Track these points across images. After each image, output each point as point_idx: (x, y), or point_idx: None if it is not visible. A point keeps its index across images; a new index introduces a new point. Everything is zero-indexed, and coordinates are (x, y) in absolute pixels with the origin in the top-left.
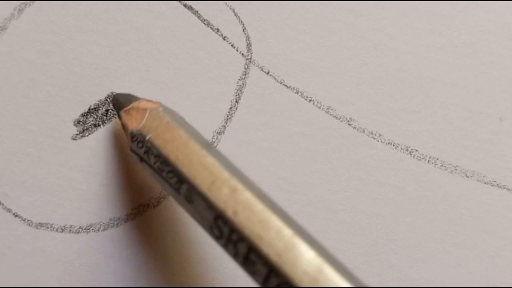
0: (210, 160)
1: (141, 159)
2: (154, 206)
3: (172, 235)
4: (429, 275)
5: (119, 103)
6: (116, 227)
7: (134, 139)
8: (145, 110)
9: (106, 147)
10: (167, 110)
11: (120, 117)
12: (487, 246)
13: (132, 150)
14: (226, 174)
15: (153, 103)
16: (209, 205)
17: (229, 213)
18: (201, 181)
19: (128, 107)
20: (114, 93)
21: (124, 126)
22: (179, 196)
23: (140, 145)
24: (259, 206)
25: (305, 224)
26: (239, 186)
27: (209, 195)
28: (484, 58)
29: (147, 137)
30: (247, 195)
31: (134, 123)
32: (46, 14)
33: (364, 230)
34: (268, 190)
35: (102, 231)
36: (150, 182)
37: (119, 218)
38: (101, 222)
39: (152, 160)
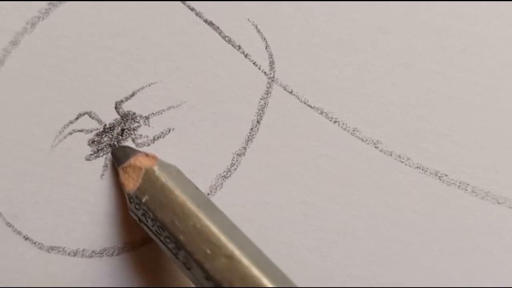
0: (205, 224)
1: (140, 220)
2: None
3: None
4: None
5: (117, 158)
6: (131, 251)
7: (132, 200)
8: (141, 169)
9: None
10: (163, 167)
11: (118, 174)
12: None
13: (131, 211)
14: (222, 240)
15: (150, 159)
16: (206, 275)
17: (225, 284)
18: (198, 249)
19: (125, 164)
20: (113, 148)
21: (122, 185)
22: (178, 261)
23: (137, 207)
24: (255, 274)
25: (328, 252)
26: (236, 253)
27: (205, 265)
28: None
29: (143, 200)
30: (244, 263)
31: (131, 184)
32: (60, 29)
33: (391, 259)
34: (290, 215)
35: (116, 255)
36: None
37: (134, 242)
38: (115, 246)
39: (150, 223)
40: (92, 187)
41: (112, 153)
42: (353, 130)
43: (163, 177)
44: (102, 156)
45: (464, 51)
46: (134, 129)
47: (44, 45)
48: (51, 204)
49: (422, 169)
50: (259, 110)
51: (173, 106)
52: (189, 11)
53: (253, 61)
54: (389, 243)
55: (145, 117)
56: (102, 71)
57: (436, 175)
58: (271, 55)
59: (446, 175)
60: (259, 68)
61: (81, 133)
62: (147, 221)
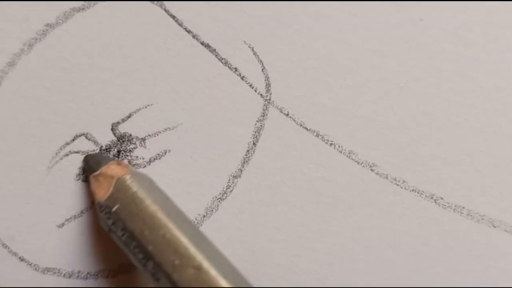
0: (175, 235)
1: (110, 230)
2: None
3: None
4: None
5: (89, 166)
6: (127, 273)
7: (102, 209)
8: (112, 178)
9: None
10: (135, 176)
11: (89, 182)
12: None
13: (101, 220)
14: (191, 251)
15: (122, 167)
16: (175, 286)
17: None
18: (166, 259)
19: (97, 172)
20: (85, 155)
21: (92, 194)
22: (146, 272)
23: (107, 216)
24: (222, 285)
25: (324, 274)
26: (204, 264)
27: (173, 276)
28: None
29: (114, 209)
30: (212, 274)
31: (101, 192)
32: (57, 50)
33: (387, 281)
34: (286, 238)
35: (111, 277)
36: None
37: (129, 264)
38: (110, 268)
39: (119, 232)
40: (88, 209)
41: (84, 161)
42: (349, 153)
43: (135, 186)
44: None
45: (460, 75)
46: (130, 151)
47: (41, 66)
48: (47, 226)
49: (418, 192)
50: (255, 132)
51: (169, 128)
52: (186, 33)
53: (249, 83)
54: (384, 266)
55: (142, 138)
56: (99, 92)
57: (432, 198)
58: (267, 78)
59: (442, 198)
60: (255, 90)
61: (77, 154)
62: (117, 231)
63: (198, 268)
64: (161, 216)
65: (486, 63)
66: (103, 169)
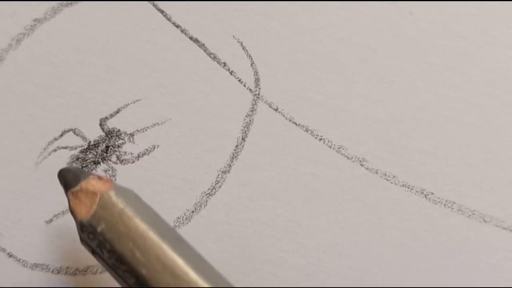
0: (171, 257)
1: (94, 252)
2: None
3: None
4: None
5: (65, 181)
6: None
7: (84, 229)
8: (95, 194)
9: None
10: (120, 192)
11: (68, 200)
12: None
13: (83, 241)
14: (191, 275)
15: (104, 182)
16: None
17: None
18: (163, 284)
19: (76, 188)
20: (61, 169)
21: (72, 212)
22: None
23: (91, 236)
24: None
25: (313, 270)
26: (206, 285)
27: None
28: (505, 97)
29: (99, 229)
30: None
31: (83, 211)
32: (46, 46)
33: (376, 277)
34: (275, 233)
35: (100, 273)
36: None
37: None
38: (98, 264)
39: (106, 255)
40: None
41: (59, 176)
42: (339, 148)
43: (121, 203)
44: None
45: (450, 69)
46: (118, 146)
47: (29, 61)
48: (35, 221)
49: (408, 187)
50: (244, 127)
51: (158, 123)
52: (174, 28)
53: (238, 78)
54: (374, 261)
55: (130, 134)
56: (87, 87)
57: (422, 193)
58: (257, 73)
59: (432, 193)
60: (244, 85)
61: (65, 150)
62: (103, 253)
63: None
64: (153, 235)
65: (476, 57)
66: (83, 184)
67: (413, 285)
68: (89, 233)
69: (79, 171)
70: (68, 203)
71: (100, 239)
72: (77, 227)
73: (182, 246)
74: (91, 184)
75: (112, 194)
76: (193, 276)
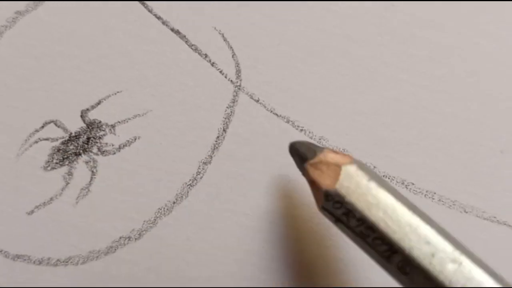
0: (424, 227)
1: (337, 220)
2: (135, 239)
3: (154, 268)
4: None
5: (300, 153)
6: (96, 260)
7: (330, 198)
8: (338, 166)
9: (85, 176)
10: (361, 166)
11: (306, 171)
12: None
13: (325, 209)
14: (447, 246)
15: (343, 156)
16: (431, 281)
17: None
18: (420, 253)
19: (315, 160)
20: (292, 142)
21: (313, 183)
22: (390, 265)
23: (337, 205)
24: (482, 279)
25: (295, 260)
26: (464, 260)
27: (431, 271)
28: (486, 88)
29: (347, 198)
30: (475, 272)
31: (327, 181)
32: (27, 38)
33: (357, 267)
34: (256, 224)
35: (81, 264)
36: (131, 213)
37: (99, 251)
38: (80, 255)
39: (353, 223)
40: (57, 195)
41: (291, 149)
42: (319, 139)
43: (366, 176)
44: (67, 164)
45: (431, 60)
46: (100, 138)
47: (11, 54)
48: (17, 213)
49: (389, 178)
50: (225, 118)
51: (139, 115)
52: (156, 20)
53: (219, 70)
54: (354, 252)
55: (111, 125)
56: (68, 79)
57: (403, 183)
58: (238, 64)
59: (413, 184)
60: (226, 77)
61: (46, 141)
62: (350, 221)
63: (459, 262)
64: (404, 208)
65: (457, 49)
66: (321, 156)
67: None
68: (334, 202)
69: (312, 145)
70: (307, 174)
71: (348, 208)
72: (319, 196)
73: (429, 219)
74: (329, 156)
75: (356, 167)
76: (449, 246)
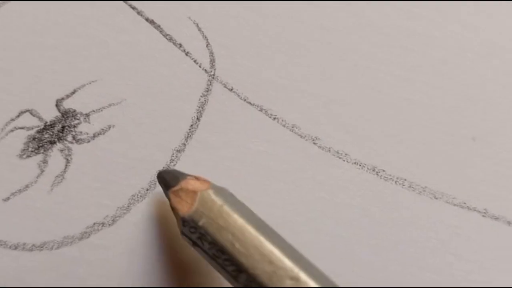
0: (268, 247)
1: (194, 244)
2: (109, 225)
3: (127, 254)
4: None
5: (165, 181)
6: (70, 245)
7: (186, 224)
8: (195, 192)
9: (60, 163)
10: (217, 191)
11: (169, 198)
12: (454, 269)
13: (183, 234)
14: (287, 263)
15: (202, 182)
16: None
17: None
18: (262, 272)
19: (176, 187)
20: (160, 171)
21: (174, 209)
22: (238, 283)
23: (192, 230)
24: None
25: None
26: (302, 276)
27: (269, 287)
28: (458, 77)
29: (200, 223)
30: (311, 285)
31: (185, 207)
32: (2, 28)
33: (327, 252)
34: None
35: (55, 249)
36: (105, 200)
37: (73, 237)
38: (55, 240)
39: (206, 246)
40: (32, 183)
41: (159, 177)
42: (292, 127)
43: (219, 201)
44: (42, 152)
45: (403, 49)
46: (74, 126)
47: None
48: None
49: (360, 165)
50: (199, 107)
51: (113, 104)
52: (131, 9)
53: (194, 59)
54: (326, 238)
55: (86, 114)
56: (43, 69)
57: (374, 170)
58: (212, 53)
59: (384, 171)
60: (200, 66)
61: (22, 130)
62: (203, 244)
63: (296, 279)
64: (251, 228)
65: (430, 38)
66: (183, 184)
67: (364, 261)
68: (190, 227)
69: (177, 173)
70: (169, 201)
71: (202, 232)
72: (178, 222)
73: (277, 238)
74: (190, 184)
75: (211, 193)
76: (289, 264)
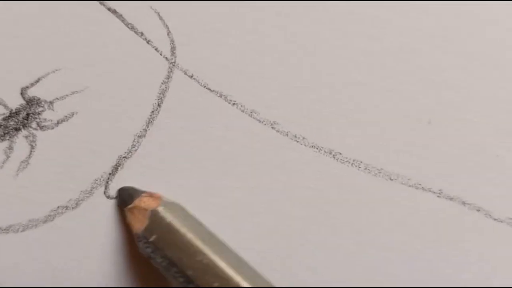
0: (212, 259)
1: (150, 257)
2: (72, 208)
3: (90, 237)
4: (350, 278)
5: (122, 200)
6: (35, 228)
7: (140, 239)
8: (146, 210)
9: (25, 149)
10: (167, 206)
11: (125, 216)
12: (409, 248)
13: (140, 248)
14: (229, 273)
15: (154, 199)
16: None
17: None
18: (206, 282)
19: (131, 205)
20: (119, 189)
21: (129, 226)
22: None
23: (146, 245)
24: None
25: (224, 227)
26: (243, 284)
27: None
28: (414, 60)
29: (151, 239)
30: None
31: (138, 224)
32: None
33: (284, 233)
34: (189, 195)
35: (21, 232)
36: (69, 184)
37: (37, 220)
38: (20, 223)
39: (159, 259)
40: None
41: (118, 195)
42: (251, 112)
43: (169, 217)
44: (7, 139)
45: (361, 34)
46: (39, 114)
47: None
48: None
49: (317, 148)
50: (160, 94)
51: (76, 91)
52: None
53: (155, 47)
54: (283, 220)
55: (50, 102)
56: (8, 57)
57: (330, 153)
58: (173, 41)
59: (340, 153)
60: (161, 54)
61: None
62: (156, 258)
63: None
64: (197, 242)
65: (387, 22)
66: (136, 202)
67: (320, 241)
68: (144, 243)
69: (132, 190)
70: (125, 218)
71: (153, 247)
72: (135, 237)
73: (223, 249)
74: (143, 201)
75: (161, 210)
76: (233, 274)
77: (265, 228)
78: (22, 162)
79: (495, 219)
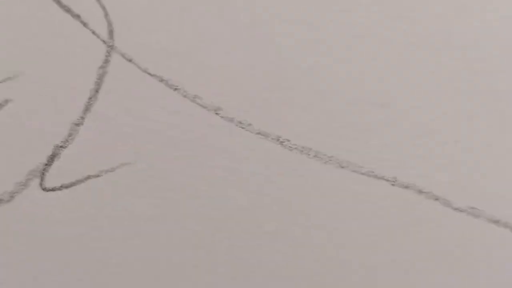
0: None
1: None
2: (7, 201)
3: (25, 229)
4: (294, 264)
5: None
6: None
7: None
8: None
9: None
10: None
11: None
12: (360, 236)
13: None
14: None
15: None
16: None
17: None
18: None
19: None
20: None
21: None
22: None
23: None
24: None
25: (163, 210)
26: None
27: None
28: (366, 43)
29: None
30: None
31: None
32: None
33: (231, 221)
34: (130, 182)
35: None
36: (2, 175)
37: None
38: None
39: None
40: None
41: None
42: (194, 97)
43: None
44: None
45: (313, 16)
46: None
47: None
48: None
49: (263, 135)
50: (97, 79)
51: (9, 78)
52: None
53: (92, 30)
54: (226, 205)
55: None
56: None
57: (278, 140)
58: (111, 24)
59: (289, 140)
60: (98, 37)
61: None
62: None
63: None
64: None
65: (342, 3)
66: None
67: (267, 228)
68: None
69: None
70: None
71: None
72: None
73: None
74: None
75: None
76: None
77: (209, 213)
78: None
79: (455, 209)
